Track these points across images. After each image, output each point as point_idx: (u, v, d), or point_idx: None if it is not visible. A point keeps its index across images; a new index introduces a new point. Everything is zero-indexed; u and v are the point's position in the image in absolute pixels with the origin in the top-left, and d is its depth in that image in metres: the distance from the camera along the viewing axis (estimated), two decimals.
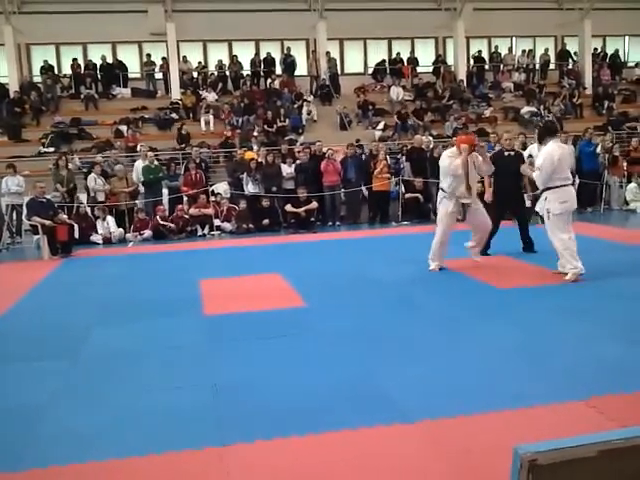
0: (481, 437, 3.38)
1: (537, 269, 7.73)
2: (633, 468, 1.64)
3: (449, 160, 7.55)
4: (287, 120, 17.81)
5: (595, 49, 22.38)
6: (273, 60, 20.39)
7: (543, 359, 4.56)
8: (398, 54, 21.36)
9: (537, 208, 7.26)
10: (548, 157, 6.89)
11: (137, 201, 13.45)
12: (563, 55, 22.18)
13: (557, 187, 6.90)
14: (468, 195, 7.55)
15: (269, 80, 19.77)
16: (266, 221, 12.87)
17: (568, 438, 1.70)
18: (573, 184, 7.54)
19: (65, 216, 11.54)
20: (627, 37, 23.53)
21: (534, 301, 6.23)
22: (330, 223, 13.64)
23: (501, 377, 4.25)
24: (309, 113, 18.31)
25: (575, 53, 21.97)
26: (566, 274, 6.97)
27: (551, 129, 7.48)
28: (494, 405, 3.75)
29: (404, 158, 14.02)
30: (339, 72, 20.66)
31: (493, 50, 21.97)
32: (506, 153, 8.88)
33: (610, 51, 22.85)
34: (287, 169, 13.63)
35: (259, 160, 13.69)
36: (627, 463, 1.64)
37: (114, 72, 19.62)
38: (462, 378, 4.24)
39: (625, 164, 13.96)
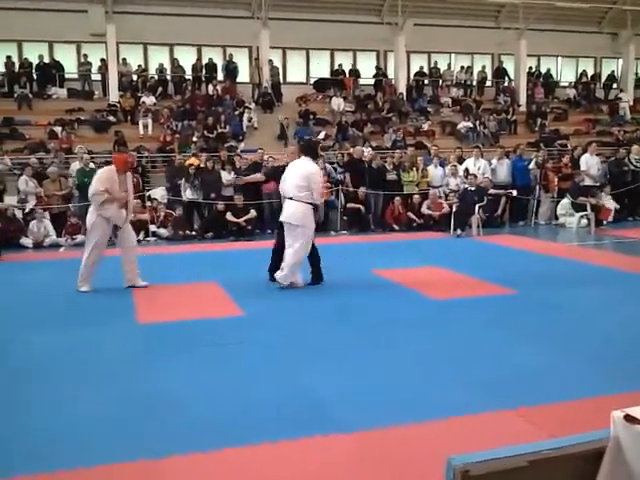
0: (415, 447, 3.42)
1: (470, 280, 7.89)
2: (562, 477, 1.68)
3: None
4: (228, 127, 17.70)
5: (530, 68, 23.17)
6: (215, 66, 20.26)
7: (473, 369, 4.64)
8: (340, 65, 21.56)
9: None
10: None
11: (70, 205, 13.08)
12: (499, 73, 22.87)
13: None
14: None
15: (210, 86, 19.62)
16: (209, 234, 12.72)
17: (499, 449, 1.73)
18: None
19: None
20: (559, 58, 24.48)
21: (465, 312, 6.34)
22: (269, 231, 13.57)
23: (433, 387, 4.30)
24: (250, 120, 18.25)
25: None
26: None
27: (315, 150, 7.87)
28: (427, 415, 3.79)
29: (339, 168, 14.11)
30: (281, 81, 20.72)
31: (433, 65, 22.45)
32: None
33: (544, 70, 23.72)
34: (227, 176, 13.52)
35: (201, 166, 13.55)
36: (556, 472, 1.68)
37: (50, 72, 19.07)
38: (396, 388, 4.28)
39: (556, 180, 14.46)
